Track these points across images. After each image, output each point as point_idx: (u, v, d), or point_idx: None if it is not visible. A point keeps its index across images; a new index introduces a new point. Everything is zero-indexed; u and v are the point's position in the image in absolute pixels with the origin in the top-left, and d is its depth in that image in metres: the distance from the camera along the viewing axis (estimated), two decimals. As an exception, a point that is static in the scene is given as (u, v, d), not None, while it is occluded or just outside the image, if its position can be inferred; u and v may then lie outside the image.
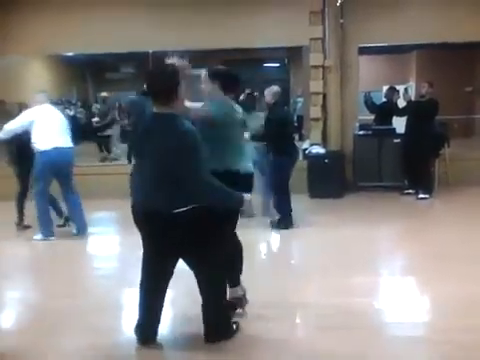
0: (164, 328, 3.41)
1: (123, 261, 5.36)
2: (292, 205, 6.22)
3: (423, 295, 4.18)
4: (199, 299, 3.24)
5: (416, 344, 3.26)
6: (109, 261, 5.47)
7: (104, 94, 11.81)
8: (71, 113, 11.04)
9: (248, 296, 3.72)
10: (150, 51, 9.52)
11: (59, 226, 6.33)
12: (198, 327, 3.26)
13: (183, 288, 3.69)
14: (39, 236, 5.91)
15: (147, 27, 8.22)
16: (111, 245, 6.18)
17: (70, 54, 9.65)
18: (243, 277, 3.74)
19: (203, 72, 3.71)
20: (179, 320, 3.68)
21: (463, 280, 4.25)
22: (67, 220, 6.38)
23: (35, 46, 8.50)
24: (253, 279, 4.39)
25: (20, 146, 6.13)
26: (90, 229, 6.25)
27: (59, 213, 6.42)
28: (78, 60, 10.45)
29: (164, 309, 3.30)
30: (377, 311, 3.83)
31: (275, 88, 6.16)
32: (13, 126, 5.86)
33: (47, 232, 5.93)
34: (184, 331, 3.49)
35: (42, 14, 8.33)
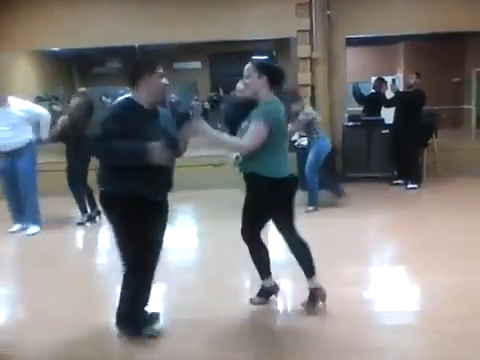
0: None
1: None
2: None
3: (413, 284, 4.20)
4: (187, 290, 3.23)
5: (406, 333, 3.27)
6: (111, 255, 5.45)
7: (82, 89, 11.57)
8: (58, 109, 10.92)
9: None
10: (136, 45, 9.45)
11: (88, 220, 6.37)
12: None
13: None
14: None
15: (133, 21, 8.13)
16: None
17: (56, 49, 9.56)
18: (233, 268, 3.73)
19: (249, 66, 3.49)
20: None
21: (452, 269, 4.28)
22: (98, 213, 6.34)
23: (20, 42, 8.38)
24: (244, 270, 4.40)
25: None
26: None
27: (91, 205, 6.40)
28: (64, 55, 10.37)
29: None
30: (367, 300, 3.85)
31: None
32: None
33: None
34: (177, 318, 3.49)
35: (27, 9, 8.21)
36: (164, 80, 3.20)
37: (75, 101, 6.26)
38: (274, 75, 3.50)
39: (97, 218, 6.37)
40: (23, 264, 5.28)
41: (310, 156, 6.41)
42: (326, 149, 6.56)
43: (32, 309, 3.95)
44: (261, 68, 3.45)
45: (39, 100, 9.67)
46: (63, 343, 3.34)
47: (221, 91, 11.58)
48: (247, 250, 3.63)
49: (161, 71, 3.19)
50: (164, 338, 3.30)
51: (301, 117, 6.27)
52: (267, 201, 3.45)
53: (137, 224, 3.07)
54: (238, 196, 3.70)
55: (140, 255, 3.14)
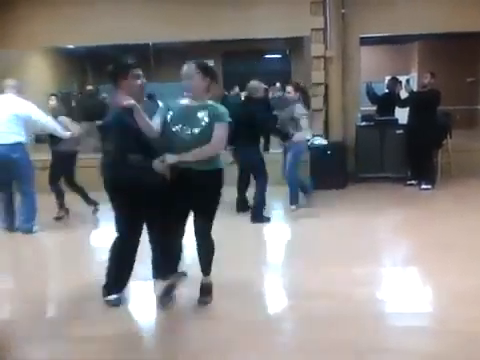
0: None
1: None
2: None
3: (425, 285, 4.17)
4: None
5: (417, 334, 3.25)
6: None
7: (90, 87, 11.64)
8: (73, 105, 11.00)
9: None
10: (150, 43, 9.48)
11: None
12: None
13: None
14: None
15: (147, 19, 8.16)
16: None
17: (70, 47, 9.61)
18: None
19: (189, 66, 3.50)
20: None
21: (465, 271, 4.24)
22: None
23: (35, 39, 8.46)
24: (255, 269, 4.40)
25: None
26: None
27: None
28: (78, 53, 10.41)
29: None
30: (379, 301, 3.82)
31: (251, 83, 6.27)
32: None
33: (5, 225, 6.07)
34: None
35: (41, 7, 8.28)
36: (139, 81, 3.48)
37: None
38: (214, 77, 3.62)
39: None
40: (41, 261, 5.33)
41: (289, 156, 6.34)
42: (305, 149, 6.69)
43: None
44: (205, 69, 3.54)
45: (52, 96, 9.71)
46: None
47: (237, 89, 11.51)
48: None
49: (138, 72, 3.47)
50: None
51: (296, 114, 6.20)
52: (221, 190, 3.64)
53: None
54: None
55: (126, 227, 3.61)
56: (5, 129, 5.72)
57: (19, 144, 5.78)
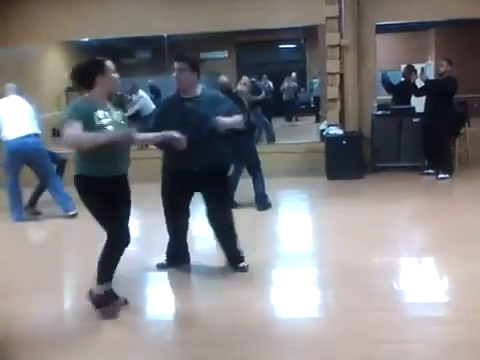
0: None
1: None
2: (311, 187, 6.26)
3: (444, 275, 4.14)
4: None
5: (437, 325, 3.23)
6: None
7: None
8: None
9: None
10: (165, 35, 9.48)
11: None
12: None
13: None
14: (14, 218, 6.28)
15: (161, 11, 8.14)
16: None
17: (85, 40, 9.65)
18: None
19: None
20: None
21: (485, 260, 4.20)
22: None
23: (50, 33, 8.48)
24: (272, 259, 4.41)
25: None
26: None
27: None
28: (93, 46, 10.44)
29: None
30: (398, 291, 3.81)
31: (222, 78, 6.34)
32: None
33: (16, 215, 6.27)
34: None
35: (55, 1, 8.30)
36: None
37: None
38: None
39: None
40: (51, 249, 5.39)
41: None
42: None
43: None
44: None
45: (69, 90, 9.83)
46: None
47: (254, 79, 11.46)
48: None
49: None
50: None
51: None
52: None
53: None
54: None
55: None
56: (31, 121, 6.22)
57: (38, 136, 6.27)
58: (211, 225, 4.20)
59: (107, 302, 3.52)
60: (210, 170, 3.91)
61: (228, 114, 3.93)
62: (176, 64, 3.88)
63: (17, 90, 6.46)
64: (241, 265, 4.19)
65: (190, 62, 3.89)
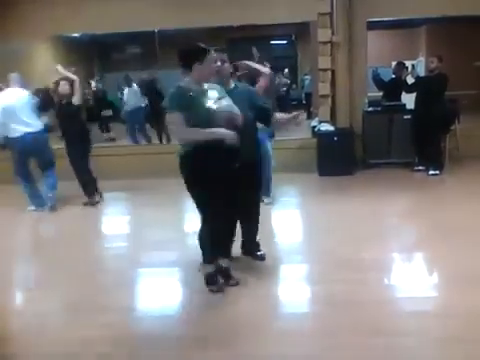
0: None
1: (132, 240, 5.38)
2: (302, 183, 6.27)
3: (435, 270, 4.17)
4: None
5: (428, 318, 3.26)
6: (120, 240, 5.50)
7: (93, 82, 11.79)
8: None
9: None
10: (156, 30, 9.43)
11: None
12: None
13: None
14: (32, 207, 6.43)
15: (152, 6, 8.09)
16: (122, 224, 6.20)
17: (75, 35, 9.57)
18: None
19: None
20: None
21: (475, 255, 4.23)
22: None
23: (40, 28, 8.39)
24: (265, 256, 4.40)
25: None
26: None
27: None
28: (84, 41, 10.39)
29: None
30: (388, 285, 3.83)
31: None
32: None
33: (36, 203, 6.44)
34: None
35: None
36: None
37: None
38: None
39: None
40: (45, 247, 5.37)
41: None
42: None
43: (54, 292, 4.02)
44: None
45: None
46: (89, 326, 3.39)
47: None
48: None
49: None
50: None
51: None
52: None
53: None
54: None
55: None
56: (32, 118, 6.25)
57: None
58: (243, 208, 4.09)
59: (214, 281, 3.74)
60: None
61: (261, 109, 3.93)
62: (217, 55, 3.78)
63: (20, 81, 6.39)
64: (259, 253, 4.32)
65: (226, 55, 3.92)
